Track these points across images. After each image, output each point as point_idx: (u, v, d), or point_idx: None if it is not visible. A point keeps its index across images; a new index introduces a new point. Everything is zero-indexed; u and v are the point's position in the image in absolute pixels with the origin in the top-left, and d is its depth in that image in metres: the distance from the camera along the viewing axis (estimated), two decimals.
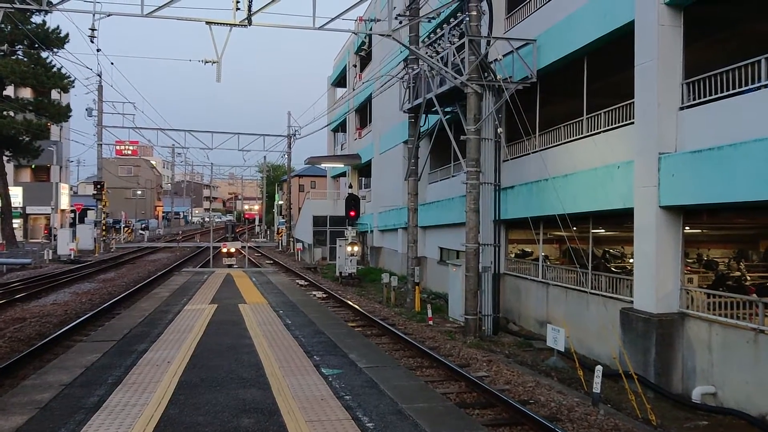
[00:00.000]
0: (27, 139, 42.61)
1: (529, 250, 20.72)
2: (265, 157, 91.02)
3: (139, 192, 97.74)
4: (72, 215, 55.74)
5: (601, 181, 14.58)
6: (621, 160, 13.86)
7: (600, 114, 15.11)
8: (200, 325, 13.26)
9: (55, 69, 41.07)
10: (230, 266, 31.05)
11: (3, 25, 36.97)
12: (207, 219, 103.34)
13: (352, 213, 28.88)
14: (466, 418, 7.79)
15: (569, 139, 16.37)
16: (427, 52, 19.67)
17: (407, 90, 22.34)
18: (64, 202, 57.25)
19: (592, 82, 15.75)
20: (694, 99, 12.17)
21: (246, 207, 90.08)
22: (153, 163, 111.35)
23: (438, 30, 20.01)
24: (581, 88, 15.70)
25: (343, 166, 44.74)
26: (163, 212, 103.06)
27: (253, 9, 15.17)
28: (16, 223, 48.62)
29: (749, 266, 17.06)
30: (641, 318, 12.57)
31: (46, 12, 32.67)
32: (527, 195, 17.70)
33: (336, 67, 48.37)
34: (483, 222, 17.55)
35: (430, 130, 23.20)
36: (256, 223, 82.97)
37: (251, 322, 13.77)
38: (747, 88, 10.99)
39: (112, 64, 72.14)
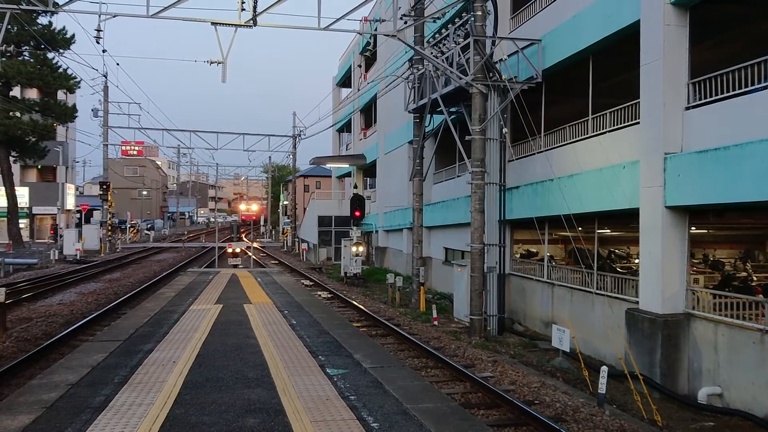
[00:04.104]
0: (33, 139, 42.78)
1: (535, 251, 20.69)
2: (270, 157, 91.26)
3: (144, 192, 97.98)
4: (78, 215, 55.87)
5: (606, 182, 14.55)
6: (627, 160, 13.83)
7: (605, 114, 15.08)
8: (206, 325, 13.29)
9: (61, 70, 41.22)
10: (235, 266, 31.09)
11: (9, 26, 37.10)
12: (212, 219, 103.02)
13: (357, 213, 28.89)
14: (471, 419, 7.77)
15: (574, 140, 16.34)
16: (432, 53, 19.67)
17: (412, 90, 22.34)
18: (70, 203, 57.47)
19: (598, 82, 15.72)
20: (700, 99, 12.13)
21: (243, 207, 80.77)
22: (158, 163, 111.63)
23: (443, 30, 20.00)
24: (587, 88, 15.68)
25: (348, 166, 44.74)
26: (168, 212, 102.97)
27: (259, 9, 15.19)
28: (23, 223, 48.79)
29: (755, 266, 17.00)
30: (647, 318, 12.54)
31: (52, 13, 32.77)
32: (532, 195, 17.67)
33: (341, 67, 48.39)
34: (488, 222, 17.53)
35: (435, 130, 23.19)
36: (261, 223, 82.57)
37: (256, 322, 13.79)
38: (753, 87, 10.96)
39: (117, 64, 72.27)
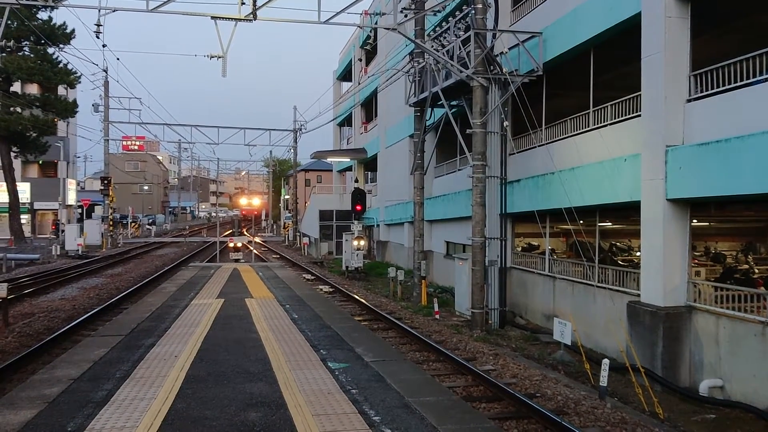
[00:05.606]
0: (34, 134, 42.73)
1: (536, 244, 20.69)
2: (271, 151, 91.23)
3: (145, 187, 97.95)
4: (79, 211, 55.93)
5: (607, 174, 14.52)
6: (628, 153, 13.80)
7: (606, 107, 15.05)
8: (207, 319, 13.31)
9: (61, 65, 41.15)
10: (237, 261, 31.13)
11: (9, 22, 37.03)
12: (213, 214, 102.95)
13: (359, 207, 28.87)
14: (473, 412, 7.79)
15: (576, 132, 16.31)
16: (432, 46, 19.61)
17: (413, 84, 22.29)
18: (72, 198, 57.47)
19: (599, 74, 15.68)
20: (701, 91, 12.10)
21: (244, 202, 74.13)
22: (159, 158, 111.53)
23: (443, 23, 19.94)
24: (588, 81, 15.64)
25: (349, 160, 44.72)
26: (169, 207, 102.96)
27: (258, 3, 15.15)
28: (24, 218, 48.82)
29: (757, 259, 16.98)
30: (648, 311, 12.53)
31: (52, 8, 32.72)
32: (534, 188, 17.66)
33: (342, 61, 48.31)
34: (489, 216, 17.52)
35: (436, 123, 23.15)
36: (263, 218, 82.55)
37: (258, 316, 13.81)
38: (755, 79, 10.92)
39: (117, 59, 72.02)
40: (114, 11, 15.52)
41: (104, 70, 44.49)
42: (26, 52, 40.67)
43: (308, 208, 48.33)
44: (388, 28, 17.91)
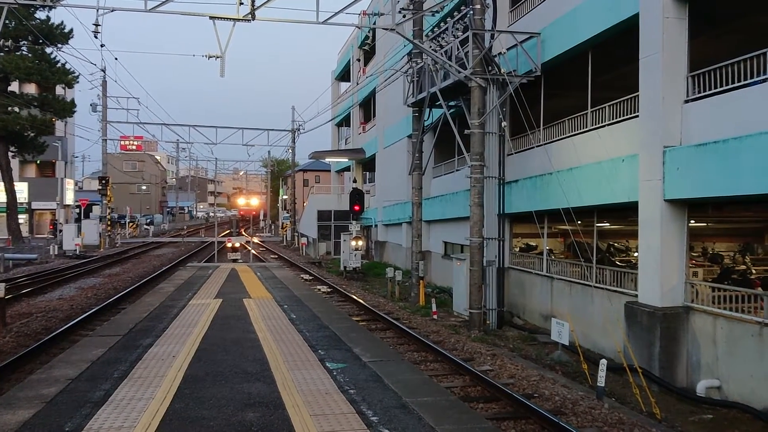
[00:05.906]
0: (32, 134, 42.66)
1: (534, 244, 20.71)
2: (269, 151, 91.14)
3: (143, 187, 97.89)
4: (77, 210, 55.87)
5: (605, 175, 14.54)
6: (626, 154, 13.81)
7: (605, 107, 15.06)
8: (205, 319, 13.30)
9: (59, 65, 41.08)
10: (235, 261, 31.12)
11: (7, 21, 36.93)
12: (211, 214, 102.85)
13: (357, 207, 28.87)
14: (470, 412, 7.80)
15: (574, 133, 16.33)
16: (430, 46, 19.62)
17: (411, 84, 22.29)
18: (69, 198, 57.44)
19: (597, 75, 15.69)
20: (699, 92, 12.12)
21: (242, 202, 74.14)
22: (157, 158, 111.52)
23: (442, 24, 19.94)
24: (586, 82, 15.65)
25: (347, 160, 44.71)
26: (167, 207, 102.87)
27: (257, 3, 15.14)
28: (22, 218, 48.73)
29: (754, 260, 17.00)
30: (646, 312, 12.55)
31: (50, 8, 32.68)
32: (531, 189, 17.67)
33: (340, 61, 48.29)
34: (487, 216, 17.52)
35: (434, 124, 23.15)
36: (261, 218, 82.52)
37: (256, 316, 13.81)
38: (753, 80, 10.94)
39: (116, 59, 71.78)
40: (112, 11, 15.50)
41: (102, 70, 44.35)
42: (24, 52, 40.57)
43: (306, 209, 48.32)
44: (386, 29, 17.92)
